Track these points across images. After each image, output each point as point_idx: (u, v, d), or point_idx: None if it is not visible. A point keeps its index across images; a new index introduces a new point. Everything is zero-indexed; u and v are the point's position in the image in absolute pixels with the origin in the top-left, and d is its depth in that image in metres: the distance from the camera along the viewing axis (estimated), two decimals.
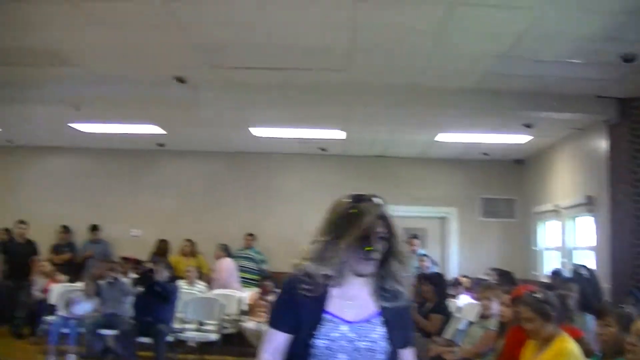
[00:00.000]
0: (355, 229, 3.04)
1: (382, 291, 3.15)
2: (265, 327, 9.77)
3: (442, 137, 12.23)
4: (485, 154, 13.93)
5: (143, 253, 13.79)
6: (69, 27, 7.38)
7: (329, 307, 3.08)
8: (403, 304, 3.19)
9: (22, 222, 13.86)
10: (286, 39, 7.61)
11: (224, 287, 12.50)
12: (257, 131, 12.28)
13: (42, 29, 7.53)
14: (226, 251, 13.20)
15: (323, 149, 14.07)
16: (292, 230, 14.13)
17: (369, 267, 3.09)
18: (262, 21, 7.05)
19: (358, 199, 3.17)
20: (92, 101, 10.31)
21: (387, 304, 3.14)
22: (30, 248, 13.71)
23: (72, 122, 12.29)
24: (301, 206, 14.51)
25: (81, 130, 12.90)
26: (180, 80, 9.12)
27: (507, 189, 14.98)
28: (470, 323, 8.47)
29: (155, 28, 7.31)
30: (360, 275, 3.12)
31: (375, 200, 3.16)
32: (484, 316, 7.85)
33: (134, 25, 7.31)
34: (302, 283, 3.09)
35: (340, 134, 12.23)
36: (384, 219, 3.12)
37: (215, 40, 7.70)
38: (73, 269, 13.83)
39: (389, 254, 3.12)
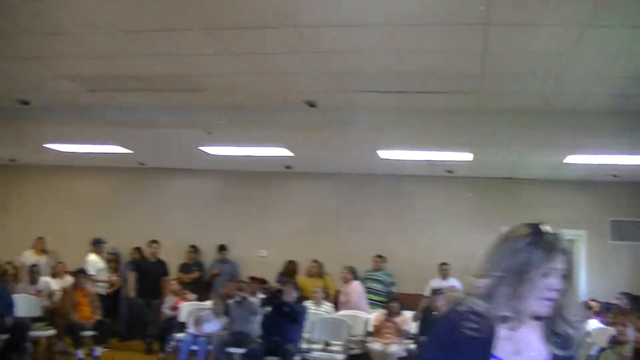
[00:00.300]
0: (539, 265, 2.65)
1: (553, 335, 2.75)
2: (391, 349, 9.81)
3: (572, 159, 11.98)
4: (614, 175, 13.58)
5: (269, 273, 13.89)
6: (203, 54, 7.58)
7: (497, 351, 2.68)
8: (574, 352, 2.78)
9: (154, 241, 14.25)
10: (417, 64, 7.60)
11: (353, 310, 12.51)
12: (385, 154, 12.28)
13: (177, 55, 7.76)
14: (354, 274, 13.15)
15: (450, 171, 13.95)
16: (420, 251, 14.17)
17: (547, 308, 2.69)
18: (394, 47, 7.09)
19: (538, 230, 2.74)
20: (223, 125, 10.54)
21: (559, 351, 2.74)
22: (161, 267, 14.09)
23: (203, 145, 12.55)
24: (428, 228, 14.51)
25: (211, 153, 13.17)
26: (311, 104, 9.22)
27: (638, 211, 14.57)
28: (602, 349, 8.27)
29: (288, 55, 7.43)
30: (536, 317, 2.72)
31: (556, 231, 2.75)
32: (617, 342, 7.66)
33: (267, 52, 7.44)
34: (468, 321, 2.68)
35: (467, 156, 12.14)
36: (565, 253, 2.72)
37: (347, 65, 7.75)
38: (201, 287, 14.11)
39: (564, 293, 2.71)
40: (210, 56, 7.64)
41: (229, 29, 6.80)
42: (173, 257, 14.56)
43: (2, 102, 10.40)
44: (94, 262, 13.73)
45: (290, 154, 12.84)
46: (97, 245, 14.06)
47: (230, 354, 10.66)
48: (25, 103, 10.27)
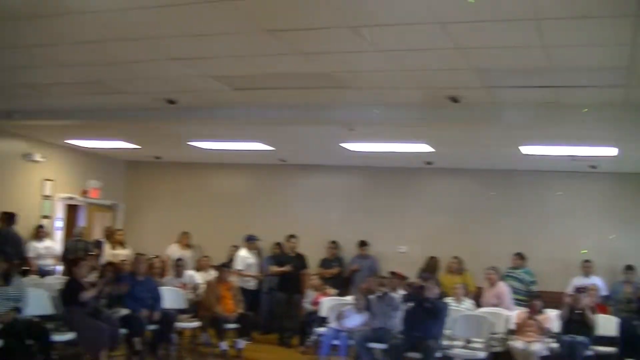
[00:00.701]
0: None
1: None
2: (534, 347, 9.63)
3: None
4: None
5: (409, 269, 13.70)
6: (347, 51, 7.62)
7: None
8: None
9: (292, 236, 14.45)
10: (563, 58, 7.44)
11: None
12: (528, 149, 12.08)
13: (321, 54, 7.83)
14: (498, 274, 12.95)
15: (593, 166, 13.58)
16: (563, 249, 13.92)
17: None
18: (539, 42, 6.96)
19: None
20: (365, 122, 10.60)
21: None
22: (300, 261, 14.27)
23: (344, 142, 12.68)
24: (571, 225, 14.21)
25: (351, 149, 13.28)
26: (454, 99, 9.16)
27: None
28: None
29: (431, 51, 7.38)
30: None
31: None
32: None
33: (410, 49, 7.42)
34: None
35: (612, 151, 11.81)
36: None
37: (491, 61, 7.65)
38: (341, 282, 14.22)
39: None
40: (354, 53, 7.67)
41: (373, 26, 6.81)
42: (314, 252, 14.73)
43: (150, 102, 10.75)
44: (244, 257, 14.08)
45: (432, 149, 12.80)
46: (249, 241, 14.43)
47: (371, 349, 10.69)
48: (172, 102, 10.58)
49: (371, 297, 11.49)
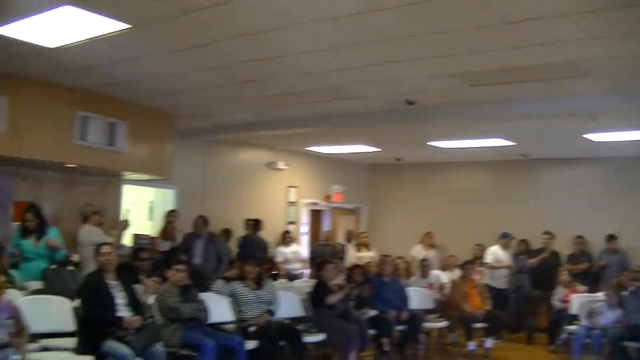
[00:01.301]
0: None
1: None
2: None
3: None
4: None
5: None
6: (586, 38, 7.34)
7: None
8: None
9: (546, 232, 14.25)
10: None
11: None
12: None
13: (559, 42, 7.57)
14: None
15: None
16: None
17: None
18: None
19: None
20: (608, 111, 10.28)
21: None
22: (554, 259, 14.03)
23: (587, 133, 12.31)
24: None
25: (595, 140, 12.87)
26: None
27: None
28: None
29: None
30: None
31: None
32: None
33: None
34: None
35: None
36: None
37: None
38: (590, 278, 13.77)
39: None
40: (592, 40, 7.35)
41: (612, 9, 6.51)
42: (559, 248, 14.35)
43: (388, 104, 10.88)
44: (494, 251, 14.27)
45: None
46: (504, 238, 14.51)
47: (626, 348, 10.30)
48: (411, 103, 10.63)
49: (624, 292, 11.06)
